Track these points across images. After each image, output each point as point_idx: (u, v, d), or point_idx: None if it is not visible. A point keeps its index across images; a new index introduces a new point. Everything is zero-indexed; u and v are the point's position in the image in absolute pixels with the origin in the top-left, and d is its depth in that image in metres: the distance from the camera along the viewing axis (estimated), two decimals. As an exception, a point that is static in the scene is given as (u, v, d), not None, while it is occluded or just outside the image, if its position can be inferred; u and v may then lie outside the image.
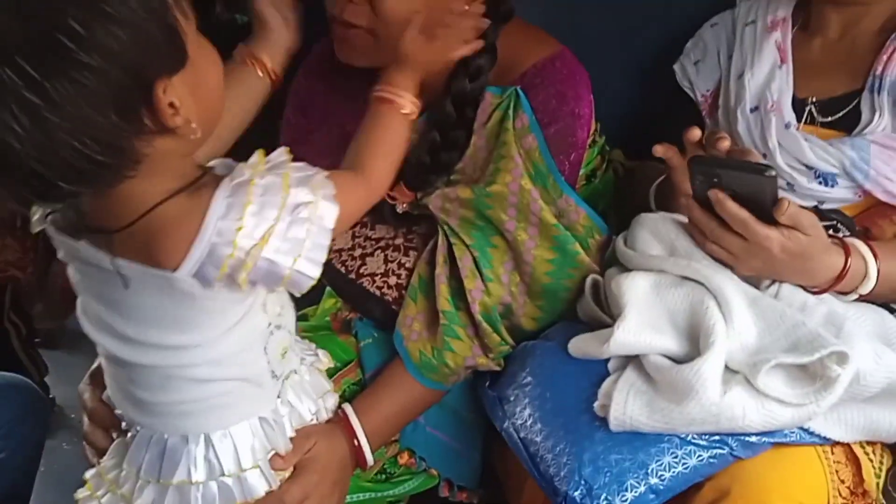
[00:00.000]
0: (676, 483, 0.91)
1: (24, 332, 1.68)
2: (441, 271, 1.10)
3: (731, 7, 1.27)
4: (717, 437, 0.91)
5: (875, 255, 0.99)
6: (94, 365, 0.95)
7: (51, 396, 1.61)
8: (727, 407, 0.88)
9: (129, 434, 0.89)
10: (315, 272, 0.77)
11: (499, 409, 0.99)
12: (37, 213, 0.82)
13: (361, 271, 1.21)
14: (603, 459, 0.90)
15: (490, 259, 1.08)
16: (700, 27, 1.29)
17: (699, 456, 0.91)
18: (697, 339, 0.93)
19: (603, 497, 0.89)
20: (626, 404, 0.91)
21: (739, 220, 0.92)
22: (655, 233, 1.03)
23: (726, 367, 0.92)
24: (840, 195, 1.10)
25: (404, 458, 1.14)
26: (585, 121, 1.09)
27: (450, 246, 1.11)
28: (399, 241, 1.24)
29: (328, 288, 1.25)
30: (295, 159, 1.18)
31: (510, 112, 1.06)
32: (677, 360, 0.94)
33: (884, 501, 1.00)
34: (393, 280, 1.18)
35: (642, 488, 0.90)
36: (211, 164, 0.82)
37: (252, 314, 0.83)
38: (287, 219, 0.75)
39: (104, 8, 0.65)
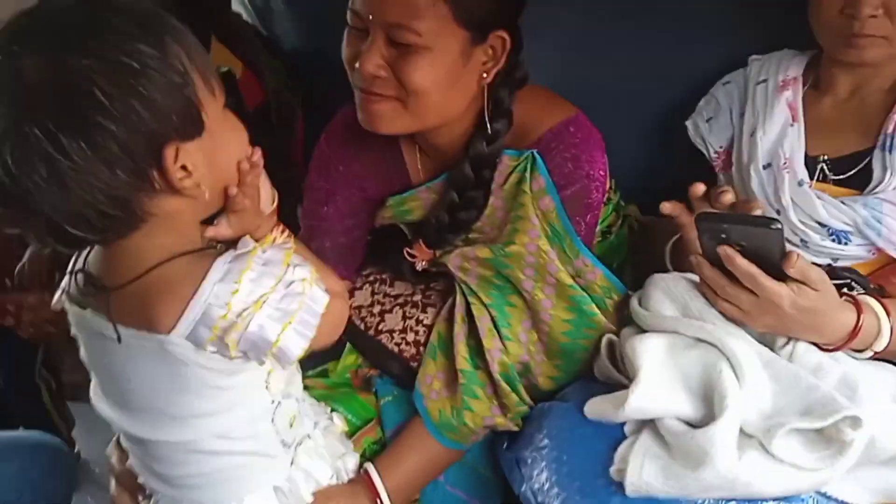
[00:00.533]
0: (693, 547, 0.91)
1: (55, 386, 1.72)
2: (459, 330, 1.12)
3: (742, 66, 1.29)
4: (733, 503, 0.91)
5: (888, 312, 0.99)
6: None
7: (76, 450, 1.63)
8: (742, 473, 0.89)
9: (153, 500, 0.92)
10: (301, 345, 0.79)
11: (516, 471, 1.00)
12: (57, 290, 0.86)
13: (380, 328, 1.23)
14: (619, 524, 0.91)
15: (508, 318, 1.10)
16: (713, 86, 1.32)
17: (715, 521, 0.91)
18: (712, 401, 0.94)
19: (620, 561, 0.89)
20: (641, 469, 0.92)
21: (749, 275, 0.93)
22: (669, 293, 1.04)
23: (741, 432, 0.92)
24: (853, 253, 1.11)
25: (425, 517, 1.15)
26: (601, 183, 1.12)
27: (468, 305, 1.13)
28: (417, 297, 1.27)
29: (349, 344, 1.27)
30: (317, 222, 1.23)
31: (527, 175, 1.09)
32: (693, 424, 0.95)
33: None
34: (411, 336, 1.20)
35: (659, 552, 0.90)
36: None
37: (253, 392, 0.85)
38: (282, 290, 0.78)
39: (132, 84, 0.71)
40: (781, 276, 0.92)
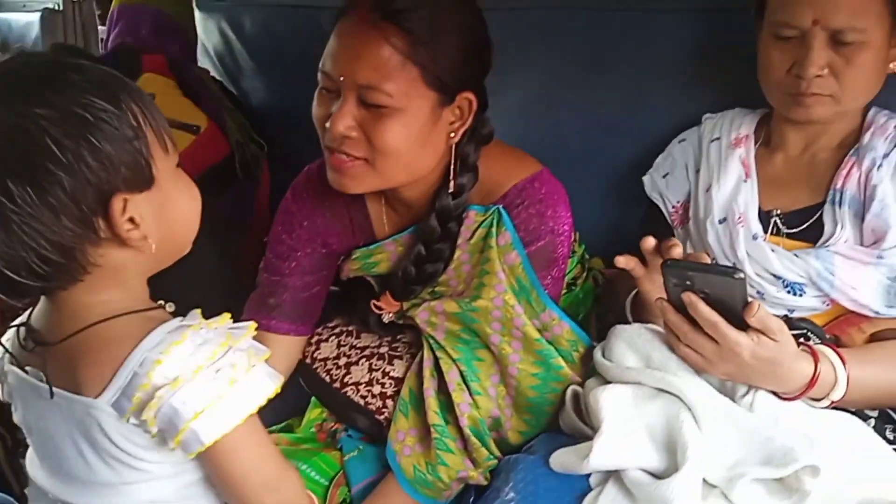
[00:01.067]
0: None
1: (10, 443, 1.66)
2: (429, 385, 1.12)
3: (697, 124, 1.34)
4: (697, 553, 0.91)
5: (843, 362, 1.02)
6: None
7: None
8: (706, 524, 0.89)
9: None
10: (209, 437, 0.75)
11: (483, 526, 0.99)
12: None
13: (346, 380, 1.23)
14: (586, 578, 0.90)
15: (477, 372, 1.11)
16: (669, 142, 1.36)
17: (681, 572, 0.91)
18: (675, 452, 0.95)
19: None
20: (607, 521, 0.92)
21: (711, 323, 0.95)
22: (631, 344, 1.06)
23: (704, 482, 0.93)
24: (808, 304, 1.14)
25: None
26: (566, 237, 1.14)
27: (436, 360, 1.13)
28: (384, 349, 1.27)
29: (313, 398, 1.26)
30: (278, 277, 1.24)
31: (493, 230, 1.11)
32: (656, 474, 0.95)
33: None
34: (377, 389, 1.20)
35: None
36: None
37: (184, 463, 0.81)
38: (210, 373, 0.75)
39: (83, 133, 0.73)
40: (742, 326, 0.94)
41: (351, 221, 1.22)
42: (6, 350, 0.84)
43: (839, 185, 1.17)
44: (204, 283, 1.39)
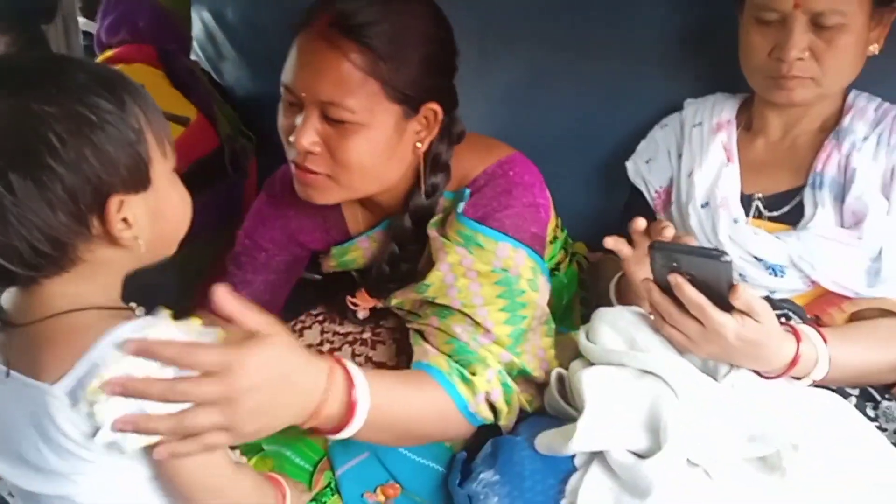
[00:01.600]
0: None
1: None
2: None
3: (679, 109, 1.35)
4: (681, 531, 0.92)
5: (825, 341, 1.02)
6: None
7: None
8: (688, 501, 0.90)
9: None
10: (132, 444, 0.73)
11: (468, 508, 0.99)
12: None
13: (329, 365, 1.22)
14: (571, 557, 0.91)
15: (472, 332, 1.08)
16: (651, 128, 1.37)
17: (666, 551, 0.91)
18: (658, 432, 0.95)
19: None
20: (592, 502, 0.92)
21: (697, 304, 0.95)
22: (615, 326, 1.06)
23: (687, 461, 0.94)
24: (790, 285, 1.15)
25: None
26: (543, 208, 1.14)
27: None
28: (367, 335, 1.27)
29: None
30: (243, 270, 1.23)
31: (450, 208, 1.11)
32: (640, 454, 0.96)
33: None
34: None
35: (611, 586, 0.90)
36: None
37: (132, 464, 0.80)
38: (171, 373, 0.74)
39: (86, 133, 0.74)
40: (727, 307, 0.95)
41: (325, 220, 1.22)
42: None
43: (819, 168, 1.17)
44: (190, 275, 1.39)
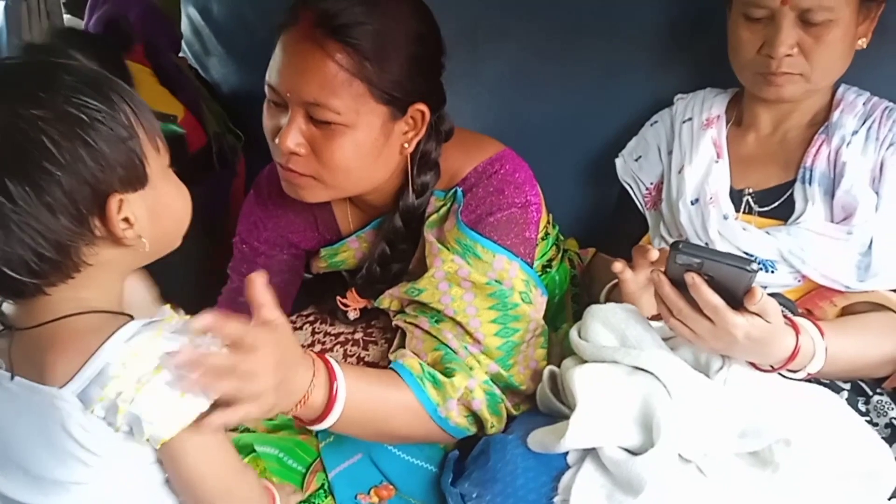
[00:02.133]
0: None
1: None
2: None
3: (669, 105, 1.35)
4: (674, 528, 0.92)
5: (822, 334, 1.03)
6: None
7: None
8: (681, 498, 0.90)
9: None
10: (168, 432, 0.75)
11: (461, 506, 0.99)
12: None
13: (321, 366, 1.22)
14: (564, 555, 0.91)
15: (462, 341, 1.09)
16: (642, 124, 1.37)
17: (659, 548, 0.92)
18: (651, 428, 0.95)
19: None
20: (585, 499, 0.92)
21: (712, 306, 0.94)
22: (607, 323, 1.06)
23: (679, 457, 0.94)
24: (781, 280, 1.15)
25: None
26: (535, 208, 1.13)
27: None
28: (359, 335, 1.26)
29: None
30: (249, 273, 1.23)
31: (444, 210, 1.11)
32: (633, 451, 0.96)
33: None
34: None
35: (604, 583, 0.90)
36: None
37: (139, 462, 0.80)
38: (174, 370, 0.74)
39: (80, 134, 0.74)
40: (738, 307, 0.94)
41: (315, 219, 1.22)
42: None
43: (809, 163, 1.18)
44: (180, 273, 1.38)
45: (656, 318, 1.04)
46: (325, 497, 1.06)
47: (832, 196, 1.15)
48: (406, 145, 1.08)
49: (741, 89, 1.27)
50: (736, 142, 1.26)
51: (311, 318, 1.28)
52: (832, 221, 1.14)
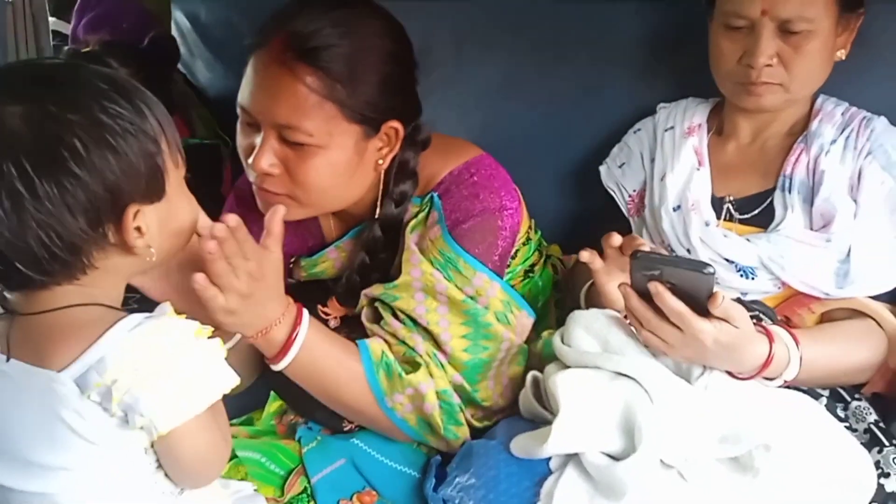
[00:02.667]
0: (619, 581, 0.92)
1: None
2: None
3: (651, 114, 1.36)
4: (655, 532, 0.93)
5: (797, 342, 1.04)
6: None
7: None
8: (663, 502, 0.91)
9: None
10: (165, 426, 0.77)
11: (443, 512, 1.00)
12: None
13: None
14: (546, 560, 0.91)
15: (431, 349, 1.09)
16: (625, 132, 1.38)
17: (640, 553, 0.92)
18: (633, 434, 0.96)
19: None
20: None
21: (677, 312, 0.95)
22: (589, 329, 1.07)
23: (661, 462, 0.95)
24: (761, 287, 1.17)
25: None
26: (510, 213, 1.13)
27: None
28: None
29: (272, 391, 1.25)
30: None
31: (422, 215, 1.11)
32: (615, 456, 0.96)
33: None
34: None
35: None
36: None
37: (128, 449, 0.81)
38: (180, 360, 0.78)
39: (108, 138, 0.77)
40: (704, 313, 0.95)
41: (298, 224, 1.22)
42: None
43: (789, 172, 1.19)
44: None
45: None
46: (308, 502, 1.06)
47: (811, 204, 1.16)
48: (380, 161, 1.09)
49: (722, 99, 1.29)
50: (717, 150, 1.27)
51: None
52: (811, 229, 1.16)
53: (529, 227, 1.24)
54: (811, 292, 1.14)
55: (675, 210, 1.23)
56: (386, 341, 1.09)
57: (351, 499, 1.08)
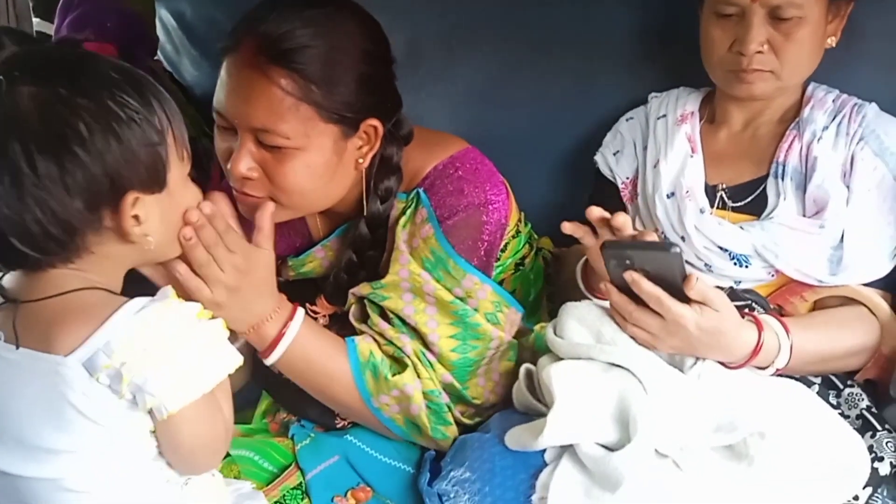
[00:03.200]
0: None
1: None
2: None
3: (643, 103, 1.36)
4: (652, 522, 0.92)
5: (787, 330, 1.04)
6: None
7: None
8: (658, 492, 0.90)
9: None
10: (174, 405, 0.79)
11: (439, 506, 0.99)
12: None
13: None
14: (543, 553, 0.91)
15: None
16: (615, 121, 1.37)
17: (637, 542, 0.92)
18: (627, 424, 0.96)
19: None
20: (563, 496, 0.92)
21: (654, 297, 0.95)
22: (582, 320, 1.06)
23: (656, 452, 0.94)
24: (754, 275, 1.16)
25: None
26: (496, 207, 1.12)
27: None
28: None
29: (264, 390, 1.24)
30: None
31: (408, 212, 1.10)
32: (610, 447, 0.96)
33: None
34: None
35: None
36: None
37: (133, 433, 0.82)
38: (187, 342, 0.80)
39: (112, 125, 0.79)
40: (684, 300, 0.96)
41: (285, 224, 1.20)
42: None
43: (781, 159, 1.19)
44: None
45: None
46: (302, 499, 1.06)
47: (804, 191, 1.16)
48: (361, 160, 1.08)
49: (714, 88, 1.28)
50: (709, 138, 1.27)
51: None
52: (804, 216, 1.15)
53: (519, 220, 1.23)
54: (805, 280, 1.14)
55: (668, 197, 1.22)
56: (375, 340, 1.09)
57: (345, 495, 1.07)
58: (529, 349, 1.17)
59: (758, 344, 1.00)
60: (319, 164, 1.02)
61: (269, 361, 1.04)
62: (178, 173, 0.86)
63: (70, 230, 0.79)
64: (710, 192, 1.22)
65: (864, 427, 1.06)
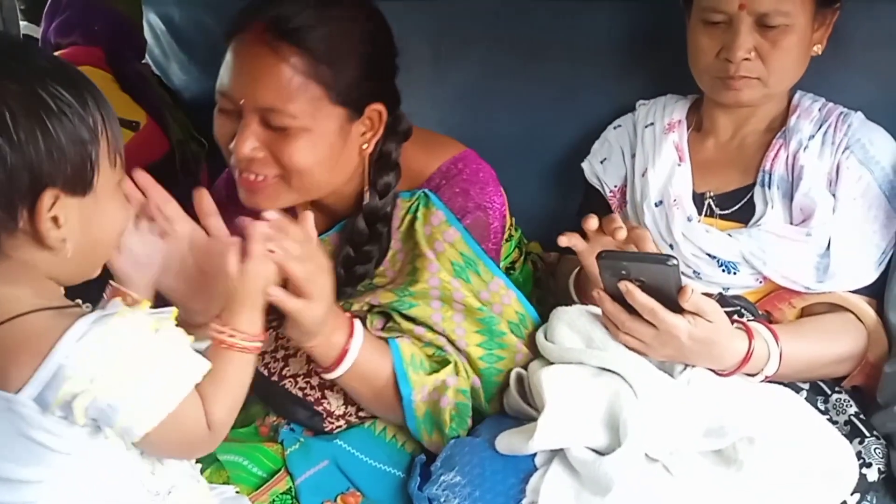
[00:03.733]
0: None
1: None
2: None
3: (631, 111, 1.37)
4: (641, 526, 0.92)
5: (776, 338, 1.05)
6: None
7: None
8: (648, 496, 0.90)
9: None
10: (143, 429, 0.75)
11: (429, 511, 0.99)
12: None
13: (284, 373, 1.20)
14: (533, 557, 0.91)
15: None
16: (604, 129, 1.38)
17: (626, 547, 0.92)
18: (617, 428, 0.96)
19: None
20: (553, 500, 0.92)
21: (649, 309, 0.96)
22: (573, 325, 1.07)
23: (646, 456, 0.94)
24: (743, 282, 1.17)
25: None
26: (497, 211, 1.14)
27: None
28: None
29: (253, 394, 1.23)
30: None
31: (419, 213, 1.10)
32: (600, 451, 0.96)
33: None
34: (315, 380, 1.17)
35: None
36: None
37: (107, 455, 0.78)
38: (139, 362, 0.74)
39: (40, 114, 0.73)
40: (678, 310, 0.96)
41: None
42: None
43: (768, 167, 1.20)
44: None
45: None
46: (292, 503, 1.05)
47: (791, 199, 1.17)
48: (365, 146, 1.08)
49: (701, 96, 1.29)
50: (696, 147, 1.28)
51: (273, 324, 1.26)
52: (791, 224, 1.16)
53: (510, 225, 1.24)
54: (792, 286, 1.15)
55: (656, 205, 1.23)
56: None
57: (335, 500, 1.06)
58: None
59: (748, 352, 1.01)
60: (325, 145, 1.02)
61: (331, 376, 1.05)
62: (107, 180, 0.79)
63: None
64: (698, 199, 1.23)
65: (852, 433, 1.07)
